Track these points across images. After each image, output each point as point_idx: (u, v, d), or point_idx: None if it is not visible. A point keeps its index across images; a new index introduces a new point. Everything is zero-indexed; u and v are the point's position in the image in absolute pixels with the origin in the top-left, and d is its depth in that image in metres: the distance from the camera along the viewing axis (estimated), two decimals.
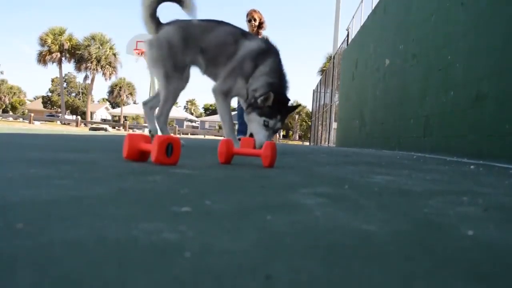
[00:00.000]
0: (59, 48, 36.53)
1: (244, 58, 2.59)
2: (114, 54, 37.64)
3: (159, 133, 2.73)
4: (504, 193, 1.20)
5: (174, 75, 2.59)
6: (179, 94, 2.69)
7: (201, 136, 22.86)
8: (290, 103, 2.58)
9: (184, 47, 2.62)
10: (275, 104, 2.43)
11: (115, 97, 47.99)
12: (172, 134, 2.71)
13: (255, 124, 2.47)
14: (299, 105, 2.75)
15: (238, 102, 6.62)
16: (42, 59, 36.64)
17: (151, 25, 2.64)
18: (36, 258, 0.38)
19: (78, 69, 37.94)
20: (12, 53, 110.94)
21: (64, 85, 53.54)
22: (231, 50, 2.63)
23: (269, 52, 2.63)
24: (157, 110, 2.79)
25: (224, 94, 2.65)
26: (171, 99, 2.66)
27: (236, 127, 6.78)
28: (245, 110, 2.59)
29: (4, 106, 56.29)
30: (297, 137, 48.60)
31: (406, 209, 0.80)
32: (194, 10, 2.76)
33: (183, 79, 2.64)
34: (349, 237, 0.54)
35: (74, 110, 56.39)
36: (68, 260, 0.38)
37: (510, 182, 1.55)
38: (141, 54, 11.55)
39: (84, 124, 26.36)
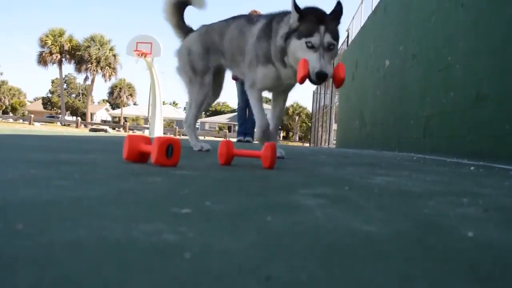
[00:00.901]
0: (59, 49, 36.58)
1: (254, 46, 2.27)
2: (114, 55, 37.68)
3: (190, 139, 2.72)
4: (504, 194, 1.20)
5: (195, 80, 2.60)
6: (202, 99, 2.64)
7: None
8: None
9: (204, 53, 2.60)
10: (307, 16, 1.94)
11: (115, 98, 48.00)
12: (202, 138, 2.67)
13: (298, 52, 1.93)
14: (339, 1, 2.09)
15: (238, 104, 6.65)
16: (42, 60, 36.69)
17: (179, 35, 2.74)
18: (36, 259, 0.38)
19: (78, 70, 37.99)
20: (12, 54, 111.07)
21: (64, 86, 53.58)
22: (242, 45, 2.40)
23: (274, 19, 2.22)
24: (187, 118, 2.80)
25: (252, 87, 2.33)
26: (194, 105, 2.65)
27: (236, 128, 6.78)
28: (282, 49, 2.07)
29: (4, 107, 56.32)
30: (297, 138, 48.60)
31: (406, 210, 0.80)
32: (204, 6, 2.75)
33: (205, 85, 2.60)
34: (349, 238, 0.54)
35: (74, 111, 56.42)
36: (68, 260, 0.38)
37: (510, 183, 1.55)
38: (141, 55, 11.55)
39: (84, 125, 26.36)
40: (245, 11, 5.79)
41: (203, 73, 2.59)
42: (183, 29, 2.74)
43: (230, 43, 2.50)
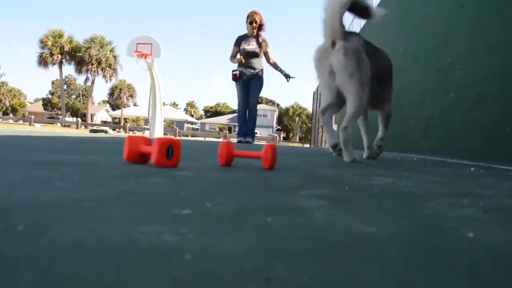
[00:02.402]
0: (60, 51, 36.62)
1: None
2: (115, 56, 37.71)
3: (342, 146, 2.44)
4: (505, 194, 1.20)
5: (366, 89, 2.45)
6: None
7: (201, 139, 22.87)
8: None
9: (368, 63, 2.49)
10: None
11: (115, 99, 48.02)
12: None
13: None
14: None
15: (238, 105, 6.65)
16: (42, 61, 36.73)
17: (340, 31, 2.42)
18: (36, 260, 0.38)
19: (79, 71, 38.04)
20: (12, 55, 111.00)
21: (65, 87, 53.66)
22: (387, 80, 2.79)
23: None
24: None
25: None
26: (359, 113, 2.52)
27: (236, 129, 6.78)
28: None
29: (5, 108, 56.33)
30: (298, 139, 48.59)
31: (406, 211, 0.80)
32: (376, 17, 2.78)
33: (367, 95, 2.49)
34: (349, 239, 0.54)
35: (74, 112, 56.47)
36: (69, 262, 0.38)
37: (511, 184, 1.55)
38: (141, 56, 11.56)
39: (85, 126, 26.36)
40: (244, 12, 5.78)
41: (368, 83, 2.48)
42: (343, 28, 2.47)
43: (381, 74, 2.83)
